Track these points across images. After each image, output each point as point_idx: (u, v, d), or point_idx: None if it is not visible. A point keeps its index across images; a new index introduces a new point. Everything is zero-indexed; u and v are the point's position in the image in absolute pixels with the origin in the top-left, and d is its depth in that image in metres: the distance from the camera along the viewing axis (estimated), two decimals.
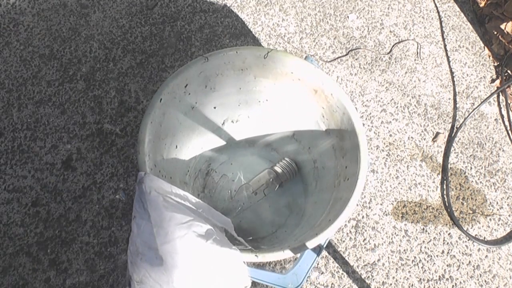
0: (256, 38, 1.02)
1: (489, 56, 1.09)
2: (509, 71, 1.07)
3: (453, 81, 1.04)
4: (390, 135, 0.96)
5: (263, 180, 0.77)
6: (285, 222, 0.78)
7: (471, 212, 0.91)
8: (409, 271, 0.84)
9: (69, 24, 0.99)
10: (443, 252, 0.86)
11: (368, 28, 1.08)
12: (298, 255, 0.59)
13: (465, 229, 0.88)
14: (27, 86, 0.91)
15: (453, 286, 0.84)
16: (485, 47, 1.10)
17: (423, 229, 0.87)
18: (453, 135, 0.98)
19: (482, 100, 1.03)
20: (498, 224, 0.90)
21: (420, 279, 0.83)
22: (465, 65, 1.07)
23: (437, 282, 0.83)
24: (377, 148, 0.94)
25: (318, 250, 0.60)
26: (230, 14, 1.04)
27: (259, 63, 0.65)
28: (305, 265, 0.60)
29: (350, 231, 0.85)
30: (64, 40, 0.97)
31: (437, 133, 0.98)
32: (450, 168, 0.94)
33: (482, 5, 1.15)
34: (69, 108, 0.90)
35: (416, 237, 0.87)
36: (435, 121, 0.99)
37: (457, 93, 1.03)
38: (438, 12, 1.13)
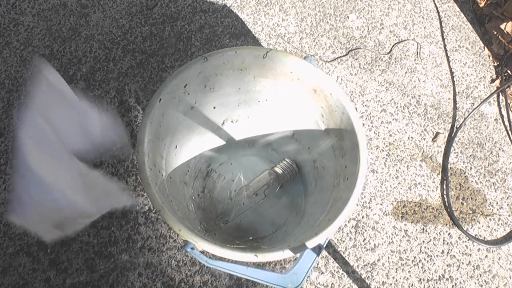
0: (256, 38, 1.02)
1: (489, 56, 1.09)
2: (509, 71, 1.07)
3: (453, 81, 1.04)
4: (390, 135, 0.96)
5: (263, 181, 0.78)
6: (285, 222, 0.78)
7: (471, 212, 0.91)
8: (409, 271, 0.84)
9: (69, 24, 0.99)
10: (443, 252, 0.86)
11: (368, 28, 1.08)
12: (298, 255, 0.59)
13: (465, 229, 0.88)
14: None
15: (453, 286, 0.84)
16: (485, 47, 1.10)
17: (423, 229, 0.87)
18: (453, 135, 0.98)
19: (482, 100, 1.03)
20: (498, 224, 0.90)
21: (420, 279, 0.83)
22: (465, 65, 1.07)
23: (437, 282, 0.83)
24: (377, 148, 0.94)
25: (318, 250, 0.60)
26: (230, 14, 1.04)
27: (258, 63, 0.65)
28: (305, 265, 0.60)
29: (350, 231, 0.85)
30: (64, 40, 0.97)
31: (437, 133, 0.98)
32: (450, 168, 0.94)
33: (482, 5, 1.15)
34: None
35: (416, 237, 0.86)
36: (435, 121, 0.99)
37: (457, 93, 1.03)
38: (438, 12, 1.13)
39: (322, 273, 0.81)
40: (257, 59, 0.65)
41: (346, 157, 0.64)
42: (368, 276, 0.82)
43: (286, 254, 0.53)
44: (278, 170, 0.78)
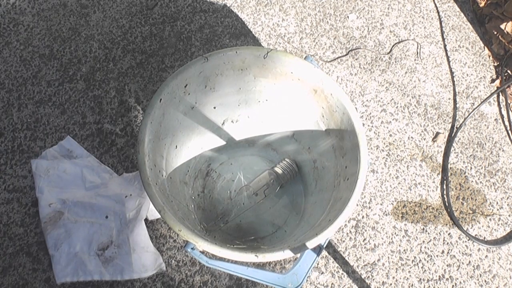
0: (256, 38, 1.02)
1: (489, 56, 1.09)
2: (509, 71, 1.07)
3: (453, 81, 1.04)
4: (390, 135, 0.96)
5: (263, 181, 0.77)
6: (285, 222, 0.78)
7: (471, 212, 0.91)
8: (409, 271, 0.84)
9: (69, 24, 0.99)
10: (443, 252, 0.86)
11: (368, 28, 1.08)
12: (298, 255, 0.59)
13: (465, 229, 0.88)
14: (27, 86, 0.91)
15: (453, 286, 0.84)
16: (485, 47, 1.10)
17: (423, 229, 0.87)
18: (453, 135, 0.98)
19: (482, 100, 1.03)
20: (498, 224, 0.90)
21: (420, 279, 0.83)
22: (465, 65, 1.07)
23: (437, 282, 0.83)
24: (377, 148, 0.94)
25: (318, 250, 0.60)
26: (230, 14, 1.04)
27: (258, 63, 0.65)
28: (305, 265, 0.60)
29: (350, 231, 0.85)
30: (64, 40, 0.97)
31: (437, 133, 0.98)
32: (450, 168, 0.94)
33: (482, 5, 1.15)
34: (69, 108, 0.90)
35: (416, 237, 0.87)
36: (435, 121, 0.99)
37: (457, 93, 1.03)
38: (438, 12, 1.13)
39: (322, 273, 0.81)
40: (258, 59, 0.65)
41: (346, 157, 0.64)
42: (368, 276, 0.82)
43: (286, 254, 0.53)
44: (278, 170, 0.78)
